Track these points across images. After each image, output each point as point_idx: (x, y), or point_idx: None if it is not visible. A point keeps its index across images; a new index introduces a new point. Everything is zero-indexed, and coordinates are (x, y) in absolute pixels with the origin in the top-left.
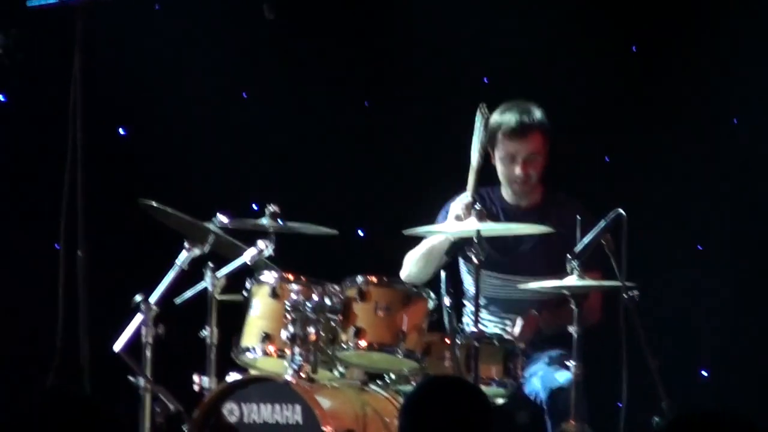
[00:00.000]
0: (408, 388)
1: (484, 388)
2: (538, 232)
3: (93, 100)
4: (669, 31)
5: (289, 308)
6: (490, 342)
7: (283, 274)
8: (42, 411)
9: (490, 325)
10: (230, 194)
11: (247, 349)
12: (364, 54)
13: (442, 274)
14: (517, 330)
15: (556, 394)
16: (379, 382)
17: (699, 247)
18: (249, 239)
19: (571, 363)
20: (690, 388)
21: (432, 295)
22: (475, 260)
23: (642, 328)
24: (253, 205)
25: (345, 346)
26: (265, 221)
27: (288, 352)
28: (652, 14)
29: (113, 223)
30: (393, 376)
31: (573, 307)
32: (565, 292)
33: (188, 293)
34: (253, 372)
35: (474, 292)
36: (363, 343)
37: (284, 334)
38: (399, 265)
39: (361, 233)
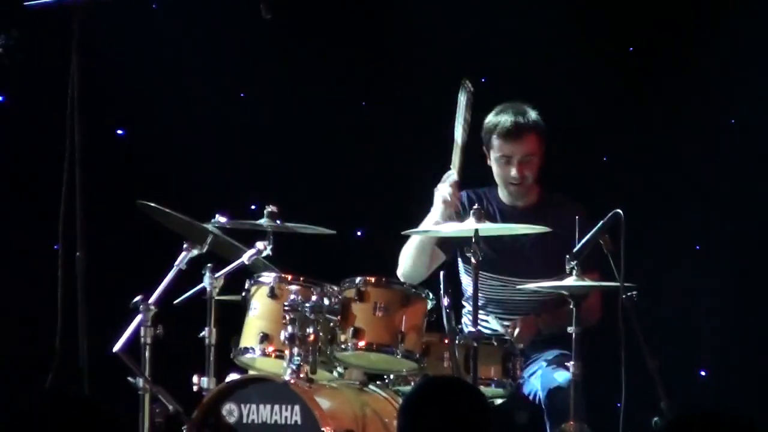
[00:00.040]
0: (407, 388)
1: (483, 388)
2: (536, 231)
3: (91, 100)
4: (667, 31)
5: (287, 309)
6: (488, 342)
7: (282, 274)
8: (42, 411)
9: (488, 325)
10: (229, 195)
11: (246, 350)
12: (362, 54)
13: (441, 274)
14: (515, 332)
15: (555, 394)
16: (378, 383)
17: (697, 247)
18: (248, 240)
19: (570, 363)
20: (689, 388)
21: (431, 295)
22: (473, 260)
23: (641, 328)
24: (252, 206)
25: (344, 347)
26: (263, 222)
27: (287, 352)
28: (650, 14)
29: (112, 223)
30: (392, 377)
31: (572, 307)
32: (564, 292)
33: (187, 294)
34: (252, 372)
35: (472, 292)
36: (362, 344)
37: (283, 335)
38: (397, 266)
39: (359, 234)
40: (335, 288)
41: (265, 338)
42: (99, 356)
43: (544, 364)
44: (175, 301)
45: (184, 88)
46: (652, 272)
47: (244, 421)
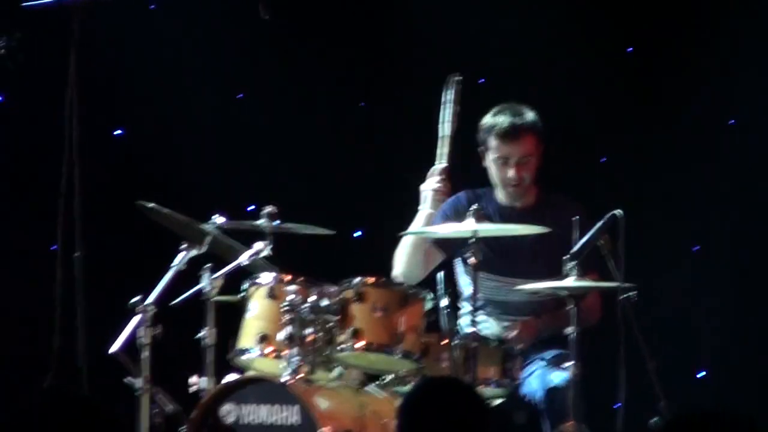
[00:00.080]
0: (406, 388)
1: (481, 389)
2: (534, 232)
3: (89, 100)
4: (665, 31)
5: (286, 309)
6: (487, 343)
7: (281, 275)
8: (40, 411)
9: (486, 326)
10: (227, 195)
11: (245, 350)
12: (361, 54)
13: (439, 275)
14: (512, 334)
15: (553, 394)
16: (376, 383)
17: (696, 247)
18: (246, 240)
19: (568, 363)
20: (687, 389)
21: (429, 296)
22: (472, 260)
23: (639, 328)
24: (251, 206)
25: (342, 347)
26: (262, 222)
27: (285, 352)
28: (649, 15)
29: (110, 224)
30: (390, 377)
31: (570, 307)
32: (563, 292)
33: (186, 294)
34: (250, 373)
35: (469, 293)
36: (360, 344)
37: (281, 335)
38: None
39: (358, 234)
40: (334, 288)
41: (263, 339)
42: (97, 356)
43: (543, 364)
44: (174, 302)
45: (182, 89)
46: (650, 273)
47: (243, 421)
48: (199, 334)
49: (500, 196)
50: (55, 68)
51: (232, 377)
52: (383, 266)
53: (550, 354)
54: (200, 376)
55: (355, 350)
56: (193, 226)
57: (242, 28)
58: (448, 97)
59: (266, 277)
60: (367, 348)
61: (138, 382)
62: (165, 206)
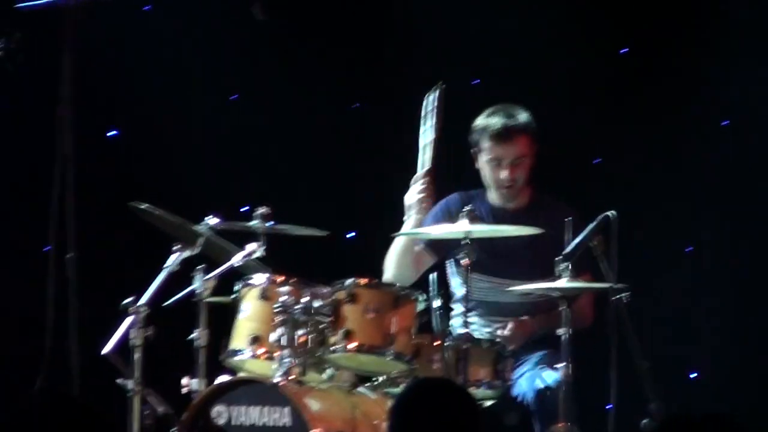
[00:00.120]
0: (397, 390)
1: (473, 390)
2: (527, 233)
3: (83, 101)
4: (659, 33)
5: (278, 310)
6: (479, 344)
7: (273, 276)
8: (32, 413)
9: (478, 327)
10: (220, 196)
11: (236, 352)
12: (355, 55)
13: (432, 276)
14: (507, 332)
15: (544, 395)
16: (368, 385)
17: (688, 249)
18: (239, 241)
19: (559, 364)
20: (679, 390)
21: (421, 297)
22: (465, 261)
23: (631, 329)
24: (243, 207)
25: (334, 349)
26: (255, 223)
27: (277, 354)
28: (643, 17)
29: (103, 225)
30: (382, 378)
31: (563, 309)
32: (555, 293)
33: (178, 295)
34: (242, 374)
35: (461, 294)
36: (352, 345)
37: (273, 337)
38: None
39: (351, 235)
40: (326, 290)
41: (255, 340)
42: (89, 358)
43: (534, 365)
44: (166, 303)
45: (176, 90)
46: (643, 274)
47: (234, 423)
48: (192, 335)
49: (493, 197)
50: (48, 68)
51: (223, 378)
52: (376, 267)
53: (541, 355)
54: (192, 377)
55: (347, 351)
56: (186, 227)
57: (236, 29)
58: (431, 104)
59: (259, 278)
60: (359, 349)
61: (130, 383)
62: (158, 207)
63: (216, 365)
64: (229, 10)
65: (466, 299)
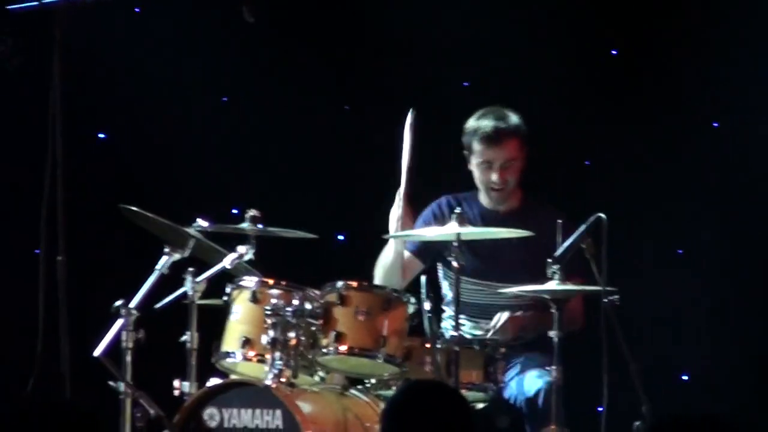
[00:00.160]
0: (388, 392)
1: (464, 392)
2: (517, 236)
3: (72, 103)
4: (649, 35)
5: (269, 313)
6: (470, 347)
7: (264, 278)
8: (23, 416)
9: (469, 330)
10: (210, 199)
11: (228, 354)
12: (345, 58)
13: (422, 278)
14: (499, 324)
15: (536, 398)
16: (359, 387)
17: (679, 251)
18: (229, 244)
19: (550, 367)
20: (670, 392)
21: (412, 299)
22: (455, 265)
23: (622, 332)
24: (234, 210)
25: (325, 351)
26: (245, 226)
27: (268, 356)
28: (633, 18)
29: (93, 227)
30: (373, 381)
31: (554, 311)
32: (546, 296)
33: (169, 298)
34: (233, 377)
35: (451, 297)
36: (343, 348)
37: (264, 339)
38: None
39: (341, 238)
40: (317, 292)
41: (246, 342)
42: (80, 361)
43: (525, 368)
44: (157, 306)
45: (165, 93)
46: (634, 276)
47: (226, 425)
48: (183, 338)
49: (484, 199)
50: (37, 71)
51: (215, 381)
52: (366, 270)
53: (532, 358)
54: (183, 379)
55: (338, 354)
56: (176, 229)
57: (226, 31)
58: (405, 130)
59: (249, 281)
60: (350, 352)
61: (121, 386)
62: (148, 210)
63: (207, 368)
64: (218, 13)
65: (456, 302)
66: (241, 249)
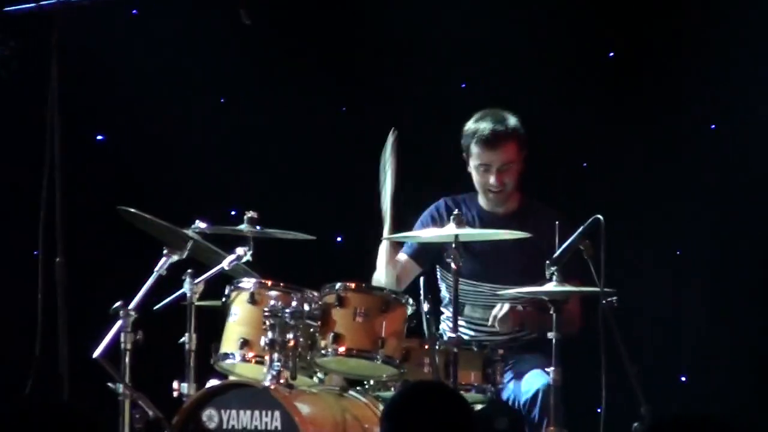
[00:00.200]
0: (387, 394)
1: (462, 394)
2: (515, 237)
3: (71, 105)
4: (648, 36)
5: (267, 314)
6: (469, 348)
7: (262, 280)
8: (21, 417)
9: (467, 332)
10: (209, 200)
11: (226, 355)
12: (342, 59)
13: (421, 280)
14: (501, 313)
15: (534, 399)
16: (358, 388)
17: (678, 252)
18: (228, 245)
19: (549, 369)
20: (669, 394)
21: (411, 301)
22: (453, 266)
23: (620, 333)
24: (232, 212)
25: (324, 352)
26: (243, 227)
27: (267, 358)
28: (631, 20)
29: (92, 229)
30: (372, 382)
31: (552, 313)
32: (544, 297)
33: (167, 299)
34: (232, 378)
35: (451, 298)
36: (342, 349)
37: (263, 340)
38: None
39: (339, 239)
40: (315, 293)
41: (245, 344)
42: (79, 362)
43: (524, 369)
44: (155, 307)
45: (163, 94)
46: (633, 277)
47: (224, 426)
48: (181, 339)
49: (483, 201)
50: (35, 73)
51: (213, 382)
52: (364, 271)
53: (530, 359)
54: (182, 381)
55: (336, 355)
56: (175, 231)
57: (223, 33)
58: (387, 151)
59: (248, 282)
60: (349, 353)
61: (120, 388)
62: (146, 211)
63: (206, 369)
64: (216, 14)
65: (454, 303)
66: (240, 250)
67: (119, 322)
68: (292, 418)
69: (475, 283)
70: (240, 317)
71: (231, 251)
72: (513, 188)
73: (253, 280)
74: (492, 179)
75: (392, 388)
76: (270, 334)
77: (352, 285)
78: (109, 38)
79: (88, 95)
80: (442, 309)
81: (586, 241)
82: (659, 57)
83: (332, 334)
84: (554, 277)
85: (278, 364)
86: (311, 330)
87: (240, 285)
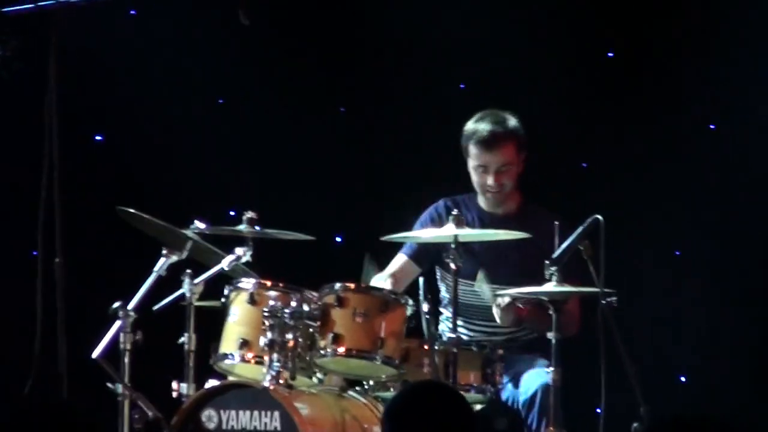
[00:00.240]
0: (386, 394)
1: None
2: (514, 238)
3: (69, 106)
4: (647, 37)
5: (267, 315)
6: (468, 348)
7: (261, 280)
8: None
9: (466, 332)
10: (208, 201)
11: (226, 356)
12: (341, 60)
13: (420, 280)
14: (503, 303)
15: (533, 399)
16: (357, 389)
17: (677, 252)
18: (227, 246)
19: (549, 369)
20: (668, 394)
21: (410, 301)
22: (452, 267)
23: (620, 333)
24: (231, 212)
25: (323, 353)
26: (242, 228)
27: (266, 358)
28: (630, 20)
29: (91, 229)
30: (371, 383)
31: (551, 313)
32: (543, 298)
33: (166, 300)
34: (231, 378)
35: (450, 298)
36: (341, 350)
37: (262, 341)
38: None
39: (338, 239)
40: (314, 294)
41: (244, 344)
42: (78, 362)
43: (523, 369)
44: (155, 307)
45: (163, 94)
46: (632, 277)
47: (224, 427)
48: (181, 340)
49: (482, 202)
50: (34, 73)
51: (212, 383)
52: (364, 271)
53: (529, 360)
54: (181, 381)
55: (335, 356)
56: (174, 231)
57: (223, 33)
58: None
59: (247, 283)
60: (348, 353)
61: (119, 388)
62: (145, 212)
63: (205, 369)
64: (215, 15)
65: (454, 304)
66: (239, 251)
67: (118, 323)
68: (291, 418)
69: (473, 283)
70: (239, 317)
71: (230, 251)
72: (512, 189)
73: (253, 280)
74: (490, 180)
75: (392, 389)
76: (269, 335)
77: (352, 285)
78: (108, 38)
79: (87, 95)
80: (442, 309)
81: (585, 241)
82: (659, 57)
83: (332, 334)
84: (554, 278)
85: (278, 364)
86: (311, 330)
87: (239, 285)
